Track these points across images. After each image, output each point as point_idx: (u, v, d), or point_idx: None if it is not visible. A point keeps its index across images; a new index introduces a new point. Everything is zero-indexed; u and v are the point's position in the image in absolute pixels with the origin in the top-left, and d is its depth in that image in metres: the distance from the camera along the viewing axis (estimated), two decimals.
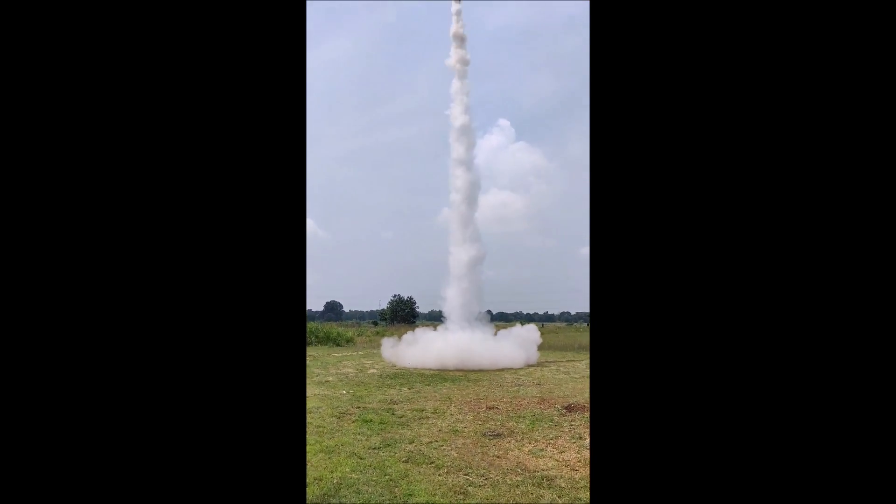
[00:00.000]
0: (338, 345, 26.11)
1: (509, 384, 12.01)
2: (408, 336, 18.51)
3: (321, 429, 7.07)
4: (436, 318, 20.32)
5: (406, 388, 11.14)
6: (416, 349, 16.84)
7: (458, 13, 19.51)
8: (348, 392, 10.46)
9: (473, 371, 14.80)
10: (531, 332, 19.25)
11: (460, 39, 19.41)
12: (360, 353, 21.28)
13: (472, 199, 19.13)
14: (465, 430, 7.16)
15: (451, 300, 18.66)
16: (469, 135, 19.23)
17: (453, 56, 19.36)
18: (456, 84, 19.36)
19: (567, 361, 17.61)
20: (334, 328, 31.54)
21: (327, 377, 12.94)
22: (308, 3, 2.61)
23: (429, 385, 11.79)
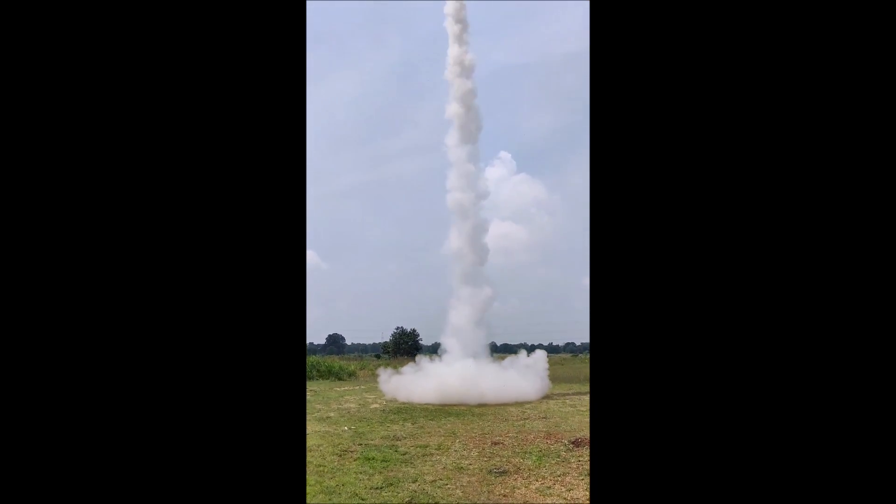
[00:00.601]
0: (340, 379, 25.74)
1: (515, 418, 11.76)
2: (408, 368, 17.83)
3: (322, 468, 6.87)
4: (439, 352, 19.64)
5: (409, 424, 10.90)
6: (419, 382, 16.31)
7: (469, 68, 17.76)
8: (350, 428, 10.25)
9: (478, 406, 14.47)
10: (539, 360, 17.75)
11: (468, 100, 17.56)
12: (363, 387, 20.97)
13: (479, 248, 17.61)
14: (471, 467, 6.95)
15: (453, 341, 17.46)
16: (473, 176, 17.64)
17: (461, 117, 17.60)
18: (455, 135, 17.73)
19: (574, 394, 17.27)
20: (336, 362, 31.17)
21: (329, 413, 12.71)
22: (308, 47, 2.62)
23: (432, 420, 11.55)
